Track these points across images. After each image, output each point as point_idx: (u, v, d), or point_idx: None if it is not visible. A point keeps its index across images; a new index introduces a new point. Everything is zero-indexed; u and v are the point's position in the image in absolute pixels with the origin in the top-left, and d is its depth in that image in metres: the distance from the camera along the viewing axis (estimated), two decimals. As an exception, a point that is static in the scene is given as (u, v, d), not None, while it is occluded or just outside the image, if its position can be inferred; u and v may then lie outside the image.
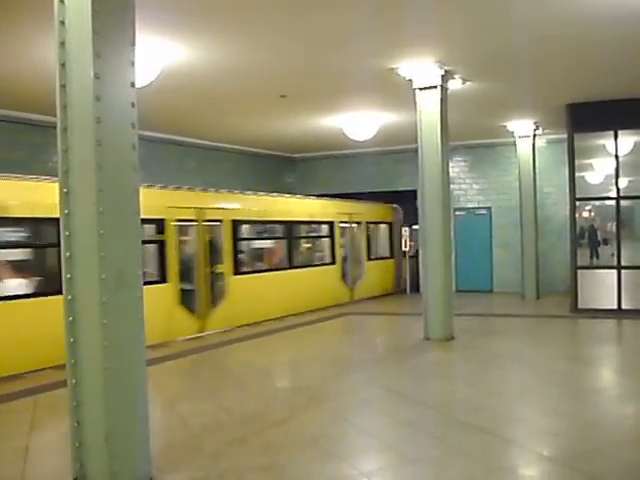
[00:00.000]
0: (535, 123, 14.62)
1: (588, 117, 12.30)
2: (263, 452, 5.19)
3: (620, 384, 7.68)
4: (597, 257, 13.39)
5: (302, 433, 5.67)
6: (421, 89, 9.65)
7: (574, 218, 12.78)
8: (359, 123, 12.94)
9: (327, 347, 10.04)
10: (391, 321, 12.95)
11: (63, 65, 4.28)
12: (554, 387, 7.22)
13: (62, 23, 4.27)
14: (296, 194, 19.09)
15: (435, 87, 9.56)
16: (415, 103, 9.81)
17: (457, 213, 17.04)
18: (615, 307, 12.31)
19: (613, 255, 12.63)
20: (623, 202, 12.74)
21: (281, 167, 19.01)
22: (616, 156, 12.53)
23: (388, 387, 7.32)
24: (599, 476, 4.56)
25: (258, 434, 5.62)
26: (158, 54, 8.07)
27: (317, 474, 4.80)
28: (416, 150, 9.91)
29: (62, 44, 4.28)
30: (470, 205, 17.23)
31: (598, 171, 13.28)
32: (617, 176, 12.53)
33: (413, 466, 4.89)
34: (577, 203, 12.79)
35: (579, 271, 12.65)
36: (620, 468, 4.73)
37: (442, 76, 9.52)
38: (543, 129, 15.08)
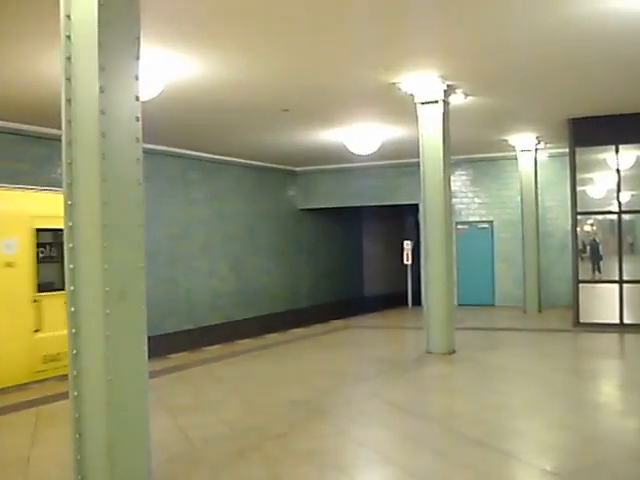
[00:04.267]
0: (537, 137, 14.68)
1: (589, 131, 12.36)
2: (263, 465, 5.19)
3: (623, 399, 7.66)
4: (599, 271, 13.39)
5: (302, 446, 5.66)
6: (423, 103, 9.71)
7: (575, 232, 12.80)
8: (362, 137, 13.00)
9: (328, 360, 10.03)
10: (392, 334, 12.94)
11: (69, 79, 4.33)
12: (556, 401, 7.22)
13: (68, 38, 4.32)
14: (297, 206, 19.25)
15: (437, 102, 9.61)
16: (417, 117, 9.88)
17: (459, 227, 17.07)
18: (617, 321, 12.29)
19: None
20: (625, 216, 12.76)
21: (283, 180, 19.09)
22: (617, 170, 12.57)
23: (389, 400, 7.32)
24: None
25: (258, 447, 5.62)
26: (162, 68, 8.13)
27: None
28: (418, 164, 9.96)
29: (68, 58, 4.33)
30: (472, 219, 17.26)
31: (600, 185, 13.31)
32: (619, 190, 12.57)
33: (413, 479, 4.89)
34: (578, 217, 12.82)
35: (581, 285, 12.65)
36: (621, 482, 4.73)
37: (444, 91, 9.57)
38: (545, 143, 15.14)
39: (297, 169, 19.34)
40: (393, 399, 7.38)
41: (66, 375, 4.40)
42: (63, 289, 4.53)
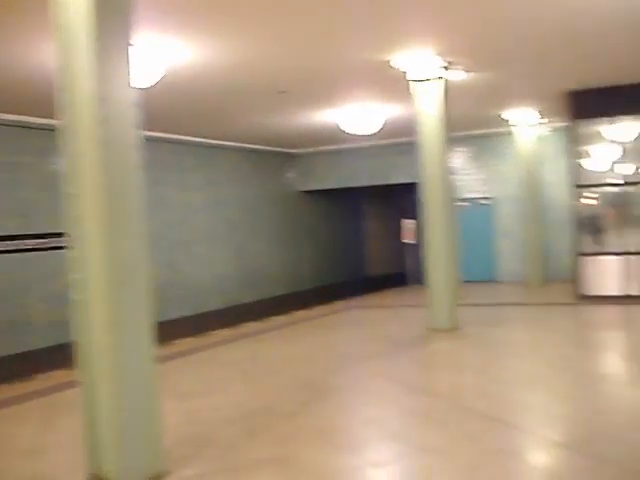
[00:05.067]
0: (537, 112, 14.62)
1: (589, 104, 12.29)
2: (273, 445, 5.24)
3: (628, 369, 7.71)
4: (601, 244, 13.40)
5: (311, 425, 5.72)
6: (420, 81, 9.67)
7: (575, 205, 12.80)
8: (361, 117, 12.93)
9: (333, 341, 10.09)
10: (395, 313, 12.98)
11: (65, 67, 4.33)
12: (562, 373, 7.27)
13: (62, 26, 4.31)
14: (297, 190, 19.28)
15: (435, 79, 9.57)
16: (414, 95, 9.84)
17: (460, 204, 17.05)
18: (620, 293, 12.33)
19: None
20: (629, 188, 12.74)
21: (281, 163, 19.06)
22: (618, 143, 12.53)
23: (395, 378, 7.37)
24: (606, 459, 4.61)
25: (267, 427, 5.68)
26: (161, 54, 8.10)
27: (327, 465, 4.84)
28: (416, 142, 9.95)
29: (62, 46, 4.32)
30: (473, 196, 17.24)
31: (600, 158, 13.28)
32: (619, 163, 12.54)
33: (422, 454, 4.94)
34: (579, 190, 12.81)
35: (583, 258, 12.68)
36: (627, 451, 4.77)
37: (442, 67, 9.52)
38: (545, 118, 15.08)
39: (295, 151, 19.30)
40: (399, 376, 7.44)
41: (74, 362, 4.45)
42: None
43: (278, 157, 18.87)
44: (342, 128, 13.35)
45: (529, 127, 15.10)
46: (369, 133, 13.51)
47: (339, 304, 14.17)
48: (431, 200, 9.82)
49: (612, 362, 8.27)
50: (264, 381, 7.54)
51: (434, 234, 9.81)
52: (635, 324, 10.60)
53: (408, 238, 16.87)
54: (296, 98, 11.76)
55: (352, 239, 22.08)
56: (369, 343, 9.60)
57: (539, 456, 5.02)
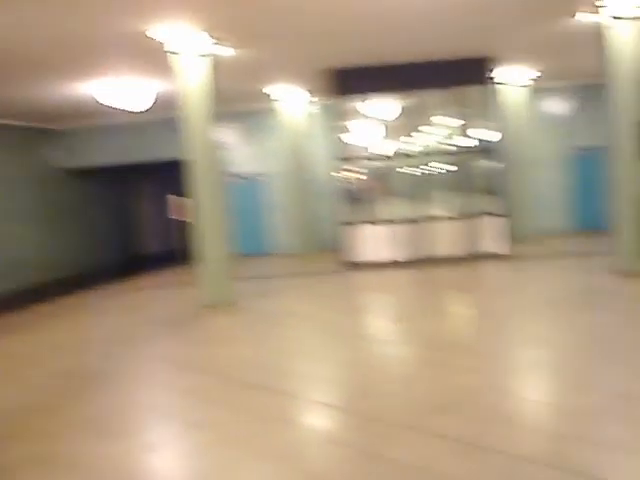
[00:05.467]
0: (303, 88, 15.07)
1: (353, 82, 12.96)
2: (34, 442, 4.86)
3: (390, 330, 8.32)
4: (365, 213, 14.28)
5: (76, 417, 5.40)
6: (185, 56, 9.45)
7: (339, 178, 13.49)
8: (127, 91, 12.27)
9: (99, 327, 9.60)
10: (170, 293, 12.72)
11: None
12: (330, 338, 7.64)
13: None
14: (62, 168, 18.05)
15: (199, 54, 9.41)
16: (176, 70, 9.60)
17: (232, 179, 17.15)
18: (384, 260, 13.30)
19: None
20: (391, 163, 13.69)
21: (41, 140, 17.62)
22: (380, 120, 13.37)
23: (169, 358, 7.23)
24: (373, 414, 4.94)
25: (28, 425, 5.25)
26: None
27: (93, 454, 4.61)
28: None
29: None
30: (245, 171, 17.42)
31: (362, 134, 14.06)
32: (381, 138, 13.41)
33: (197, 432, 4.90)
34: (342, 163, 13.50)
35: (348, 227, 13.43)
36: (391, 405, 5.16)
37: (207, 42, 9.39)
38: (312, 94, 15.62)
39: (58, 128, 17.95)
40: (172, 357, 7.31)
41: None
42: None
43: (37, 133, 17.40)
44: (105, 102, 12.61)
45: (297, 104, 15.55)
46: (138, 109, 12.93)
47: (109, 288, 13.56)
48: (197, 176, 9.72)
49: (377, 324, 8.87)
50: (23, 375, 6.96)
51: (202, 210, 9.73)
52: (396, 288, 11.47)
53: (176, 215, 16.53)
54: (55, 70, 10.89)
55: (126, 218, 21.21)
56: (143, 326, 9.29)
57: (313, 420, 5.23)
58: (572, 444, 4.11)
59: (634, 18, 9.43)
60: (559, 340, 6.70)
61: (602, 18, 9.60)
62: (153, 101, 12.70)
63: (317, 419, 5.22)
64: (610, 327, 6.97)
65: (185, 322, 9.22)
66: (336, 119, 13.47)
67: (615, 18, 9.45)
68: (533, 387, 5.60)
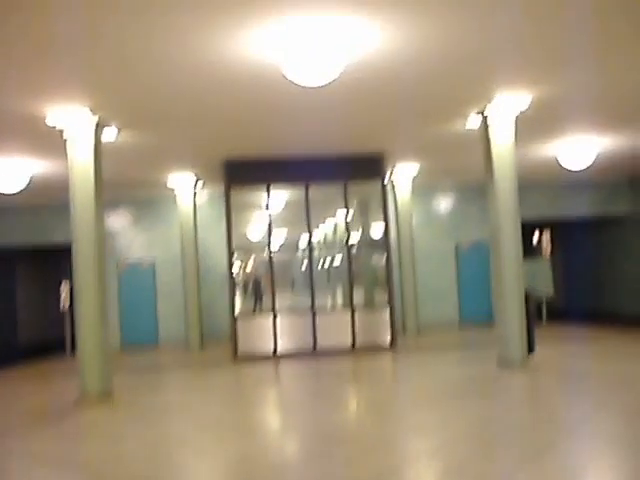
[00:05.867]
0: (196, 177, 15.10)
1: (243, 173, 13.16)
2: None
3: (272, 421, 8.09)
4: (261, 306, 14.18)
5: None
6: (71, 139, 9.28)
7: (231, 269, 13.38)
8: (9, 172, 11.89)
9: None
10: (45, 383, 11.90)
11: None
12: (209, 431, 7.32)
13: None
14: None
15: (88, 137, 9.28)
16: (67, 152, 9.40)
17: (121, 267, 16.71)
18: (271, 351, 13.12)
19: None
20: (282, 255, 13.76)
21: None
22: (269, 211, 13.53)
23: (34, 453, 6.66)
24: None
25: None
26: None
27: None
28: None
29: None
30: (134, 258, 17.01)
31: (255, 225, 14.17)
32: (269, 231, 13.49)
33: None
34: (234, 254, 13.43)
35: (238, 318, 13.23)
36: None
37: (96, 126, 9.31)
38: (204, 183, 15.69)
39: None
40: (38, 451, 6.74)
41: None
42: None
43: None
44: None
45: (189, 192, 15.52)
46: (10, 190, 12.43)
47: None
48: (82, 262, 9.36)
49: (258, 415, 8.60)
50: None
51: (85, 298, 9.33)
52: (282, 379, 11.27)
53: (63, 303, 15.81)
54: None
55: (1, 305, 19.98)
56: (11, 417, 8.58)
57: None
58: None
59: (512, 122, 10.15)
60: (441, 428, 6.72)
61: (485, 121, 10.31)
62: (27, 182, 12.33)
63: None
64: (493, 415, 7.09)
65: (57, 414, 8.61)
66: (228, 209, 13.48)
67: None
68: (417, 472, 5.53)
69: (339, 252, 13.98)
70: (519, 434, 6.42)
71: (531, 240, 16.54)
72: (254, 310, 14.20)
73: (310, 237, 13.64)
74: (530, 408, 7.82)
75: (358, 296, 13.80)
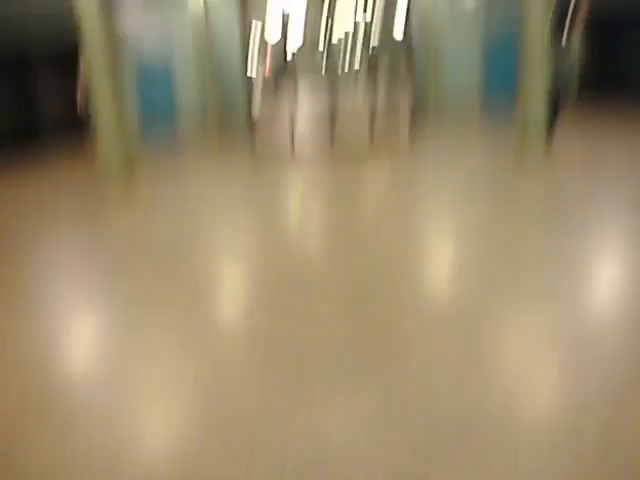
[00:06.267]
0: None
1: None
2: None
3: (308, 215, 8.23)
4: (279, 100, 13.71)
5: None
6: None
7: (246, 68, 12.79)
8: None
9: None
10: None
11: None
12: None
13: None
14: None
15: None
16: None
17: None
18: (289, 154, 12.93)
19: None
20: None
21: None
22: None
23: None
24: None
25: None
26: None
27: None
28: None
29: None
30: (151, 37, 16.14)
31: (274, 23, 13.34)
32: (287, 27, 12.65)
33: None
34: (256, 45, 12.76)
35: (257, 121, 12.71)
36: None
37: None
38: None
39: None
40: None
41: None
42: None
43: None
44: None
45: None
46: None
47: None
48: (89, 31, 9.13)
49: (290, 215, 8.63)
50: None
51: (96, 67, 9.25)
52: (310, 184, 11.15)
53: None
54: None
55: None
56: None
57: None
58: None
59: None
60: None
61: None
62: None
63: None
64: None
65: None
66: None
67: None
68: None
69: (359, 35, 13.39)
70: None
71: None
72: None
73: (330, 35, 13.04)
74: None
75: (379, 96, 13.37)
